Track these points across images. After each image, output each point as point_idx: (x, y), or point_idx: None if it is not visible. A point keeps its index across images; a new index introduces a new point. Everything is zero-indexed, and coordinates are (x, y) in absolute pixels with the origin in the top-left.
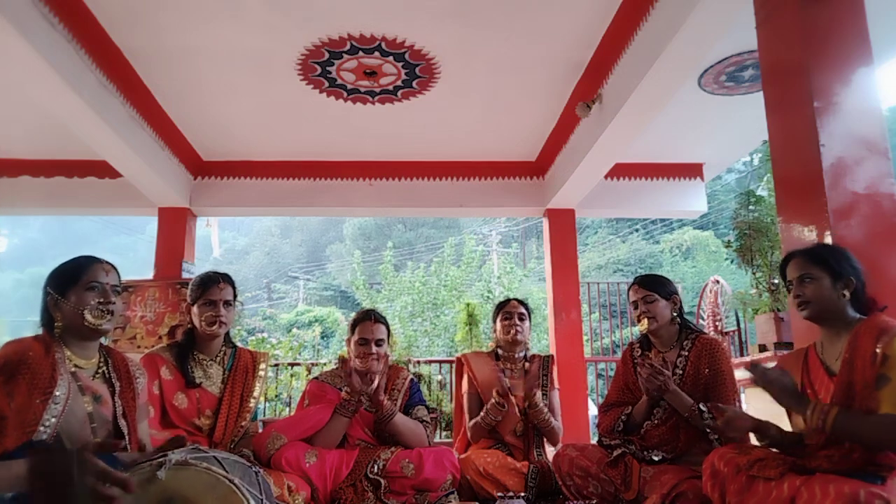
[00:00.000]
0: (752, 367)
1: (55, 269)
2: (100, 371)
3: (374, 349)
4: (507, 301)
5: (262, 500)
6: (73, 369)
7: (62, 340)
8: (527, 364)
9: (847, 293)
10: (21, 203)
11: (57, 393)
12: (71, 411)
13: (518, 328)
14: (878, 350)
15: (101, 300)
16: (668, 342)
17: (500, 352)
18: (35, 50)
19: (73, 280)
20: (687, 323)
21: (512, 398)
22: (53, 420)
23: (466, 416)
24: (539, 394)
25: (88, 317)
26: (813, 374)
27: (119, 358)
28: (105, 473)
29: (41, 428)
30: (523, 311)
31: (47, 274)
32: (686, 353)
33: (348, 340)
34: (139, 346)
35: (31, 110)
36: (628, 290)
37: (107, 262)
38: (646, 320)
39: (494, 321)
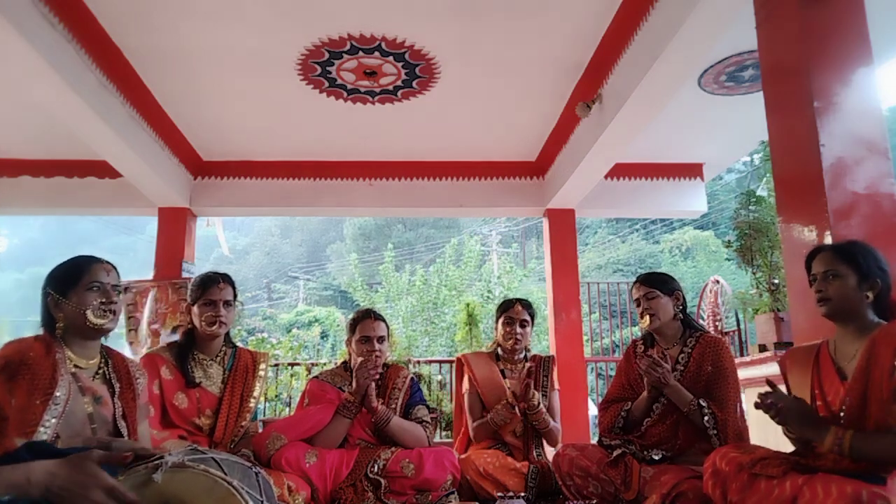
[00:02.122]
0: (764, 396)
1: (54, 269)
2: (100, 372)
3: (377, 346)
4: (512, 305)
5: (262, 501)
6: (73, 370)
7: (63, 341)
8: (527, 364)
9: (871, 295)
10: (21, 203)
11: (57, 393)
12: (71, 412)
13: (518, 336)
14: None
15: (104, 300)
16: (672, 339)
17: (500, 352)
18: (35, 50)
19: (74, 280)
20: (690, 321)
21: (513, 399)
22: (54, 420)
23: (468, 416)
24: (538, 396)
25: (91, 317)
26: (824, 375)
27: (119, 359)
28: (112, 490)
29: (41, 428)
30: (526, 317)
31: (46, 274)
32: (689, 350)
33: (348, 341)
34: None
35: (32, 110)
36: (631, 288)
37: (107, 262)
38: (647, 317)
39: (497, 321)
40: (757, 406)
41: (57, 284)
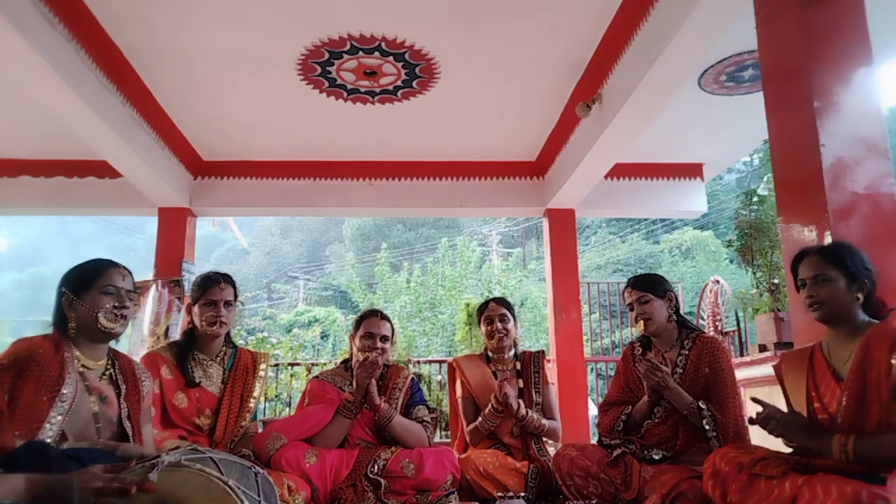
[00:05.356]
0: (758, 416)
1: (71, 269)
2: (107, 373)
3: (379, 344)
4: (487, 304)
5: (259, 501)
6: (80, 369)
7: (73, 341)
8: (517, 363)
9: (861, 296)
10: (21, 203)
11: (64, 391)
12: (77, 410)
13: (501, 333)
14: (893, 361)
15: (116, 304)
16: (669, 341)
17: (490, 354)
18: (35, 50)
19: (90, 283)
20: (685, 321)
21: (498, 403)
22: (59, 418)
23: (463, 420)
24: (523, 408)
25: (102, 320)
26: (819, 377)
27: (126, 361)
28: (117, 484)
29: (47, 425)
30: (504, 311)
31: (57, 273)
32: (686, 352)
33: (352, 337)
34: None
35: (32, 110)
36: (623, 292)
37: (123, 267)
38: (642, 322)
39: (479, 325)
40: (752, 422)
41: (72, 285)
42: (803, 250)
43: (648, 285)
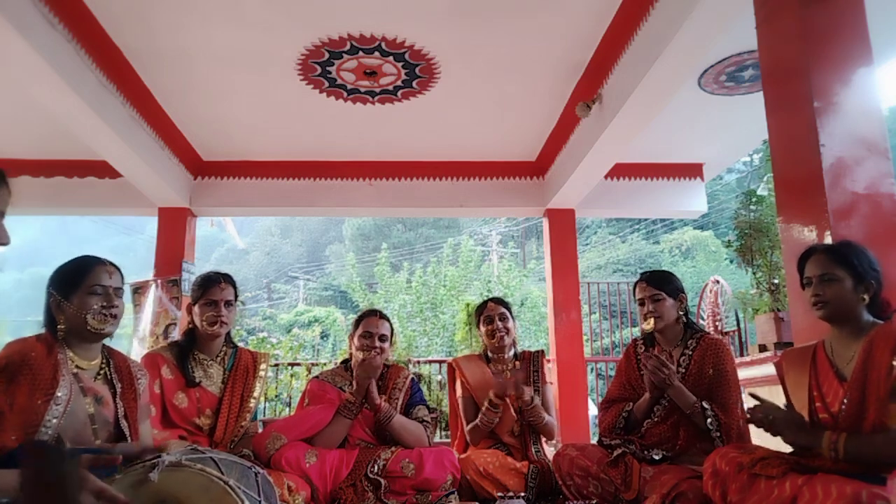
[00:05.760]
0: (753, 410)
1: (58, 269)
2: (101, 372)
3: (378, 343)
4: (485, 304)
5: (259, 501)
6: (74, 370)
7: (65, 342)
8: (517, 363)
9: (867, 296)
10: (21, 203)
11: (59, 394)
12: (72, 412)
13: (501, 332)
14: (894, 363)
15: (105, 304)
16: (673, 340)
17: (489, 354)
18: (35, 50)
19: (76, 283)
20: (692, 323)
21: (507, 399)
22: (55, 421)
23: (463, 420)
24: (530, 391)
25: (91, 321)
26: (822, 376)
27: (121, 359)
28: (101, 491)
29: (43, 429)
30: (503, 311)
31: (49, 273)
32: (690, 353)
33: (351, 337)
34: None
35: (32, 110)
36: (635, 285)
37: (110, 264)
38: (652, 320)
39: (478, 326)
40: (748, 421)
41: (59, 286)
42: (811, 248)
43: (662, 283)
